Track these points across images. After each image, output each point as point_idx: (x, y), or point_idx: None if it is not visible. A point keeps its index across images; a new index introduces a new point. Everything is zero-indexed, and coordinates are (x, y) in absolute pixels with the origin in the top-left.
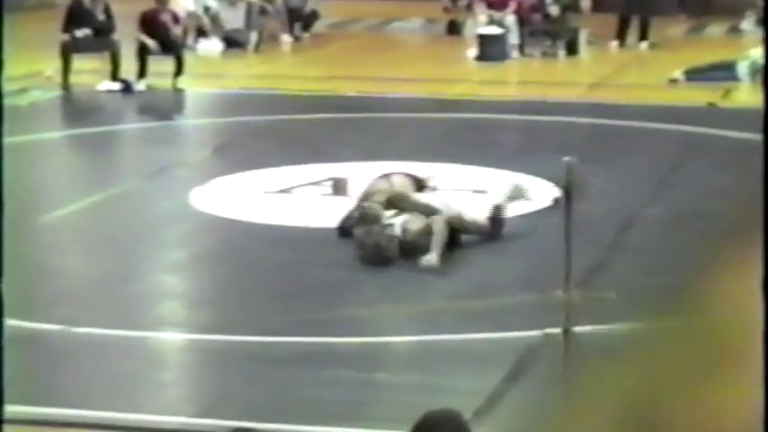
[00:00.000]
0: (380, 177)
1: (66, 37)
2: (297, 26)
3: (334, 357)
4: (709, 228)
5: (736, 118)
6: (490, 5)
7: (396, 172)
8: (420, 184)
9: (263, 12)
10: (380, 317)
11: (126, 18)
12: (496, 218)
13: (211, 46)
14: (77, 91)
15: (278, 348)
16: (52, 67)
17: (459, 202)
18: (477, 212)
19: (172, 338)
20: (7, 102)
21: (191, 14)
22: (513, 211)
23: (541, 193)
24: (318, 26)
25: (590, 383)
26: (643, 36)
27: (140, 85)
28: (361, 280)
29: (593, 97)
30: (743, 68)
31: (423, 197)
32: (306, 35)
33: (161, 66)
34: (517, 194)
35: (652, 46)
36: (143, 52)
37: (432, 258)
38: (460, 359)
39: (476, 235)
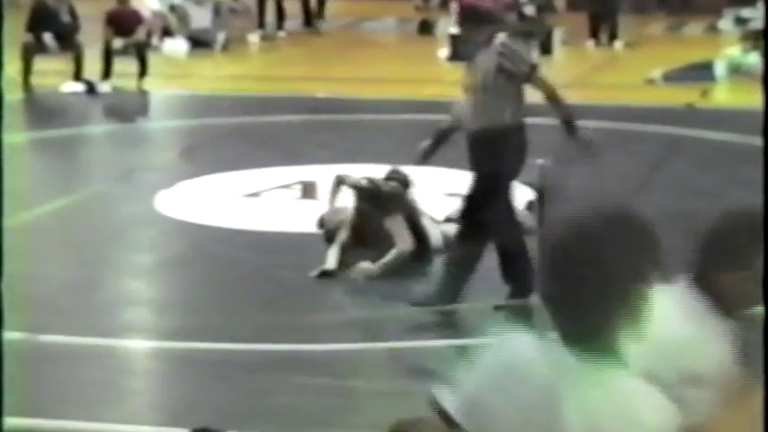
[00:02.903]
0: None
1: (28, 37)
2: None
3: (305, 364)
4: (688, 228)
5: (714, 118)
6: None
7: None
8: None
9: (232, 11)
10: (352, 322)
11: (91, 18)
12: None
13: (177, 46)
14: (40, 92)
15: (248, 355)
16: (14, 67)
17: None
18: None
19: (139, 345)
20: None
21: (156, 14)
22: None
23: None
24: (290, 25)
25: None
26: (613, 35)
27: (105, 87)
28: (332, 285)
29: (568, 97)
30: (720, 68)
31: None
32: (281, 34)
33: (126, 66)
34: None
35: (627, 45)
36: (108, 53)
37: (370, 267)
38: (434, 365)
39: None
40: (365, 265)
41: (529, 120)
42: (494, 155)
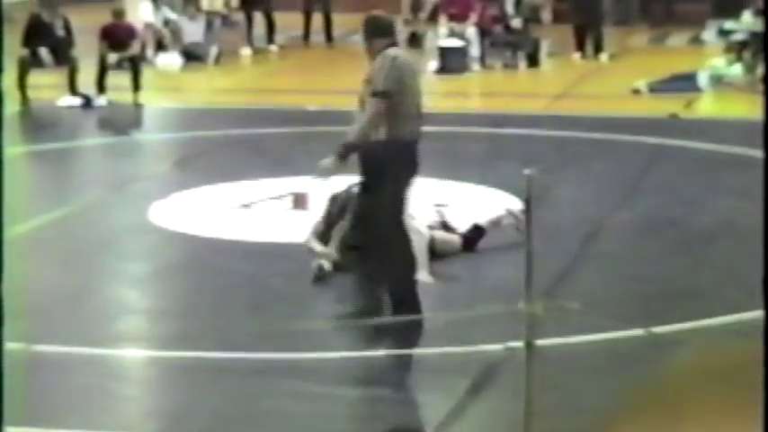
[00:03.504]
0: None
1: (24, 52)
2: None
3: (297, 371)
4: (673, 235)
5: (698, 128)
6: (451, 17)
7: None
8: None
9: (227, 23)
10: (343, 331)
11: (85, 31)
12: (471, 237)
13: (171, 60)
14: (36, 106)
15: (241, 362)
16: (9, 81)
17: (427, 226)
18: (447, 233)
19: (134, 354)
20: None
21: (149, 26)
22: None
23: (504, 205)
24: (279, 39)
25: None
26: (598, 47)
27: (101, 100)
28: (323, 293)
29: (555, 108)
30: (703, 78)
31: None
32: (273, 47)
33: (121, 80)
34: (498, 222)
35: (612, 56)
36: (103, 67)
37: (424, 276)
38: (423, 373)
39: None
40: (325, 250)
41: (518, 130)
42: (375, 169)
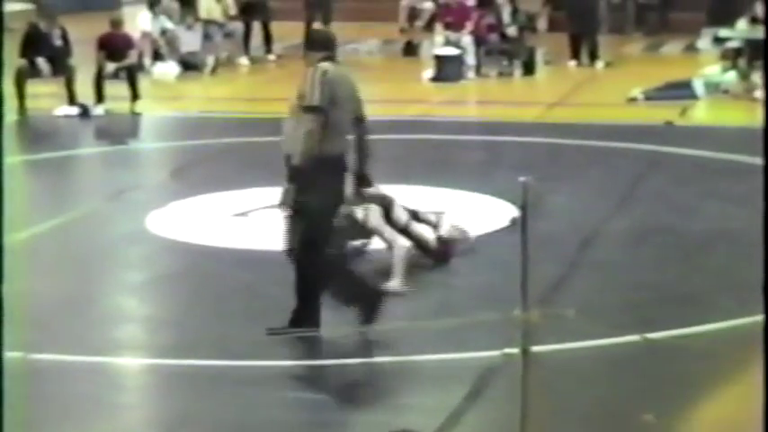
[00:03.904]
0: None
1: (21, 62)
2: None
3: (295, 379)
4: (668, 242)
5: (693, 135)
6: (447, 26)
7: None
8: None
9: (222, 32)
10: (341, 338)
11: (83, 41)
12: (447, 243)
13: (168, 69)
14: (34, 116)
15: (239, 370)
16: (7, 91)
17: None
18: (429, 234)
19: (132, 362)
20: None
21: (146, 35)
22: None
23: (499, 212)
24: (277, 48)
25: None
26: (593, 55)
27: (98, 110)
28: (321, 301)
29: (551, 116)
30: (698, 86)
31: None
32: (270, 57)
33: (118, 89)
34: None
35: (607, 64)
36: (100, 77)
37: (395, 284)
38: (420, 380)
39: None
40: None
41: (513, 138)
42: (304, 185)
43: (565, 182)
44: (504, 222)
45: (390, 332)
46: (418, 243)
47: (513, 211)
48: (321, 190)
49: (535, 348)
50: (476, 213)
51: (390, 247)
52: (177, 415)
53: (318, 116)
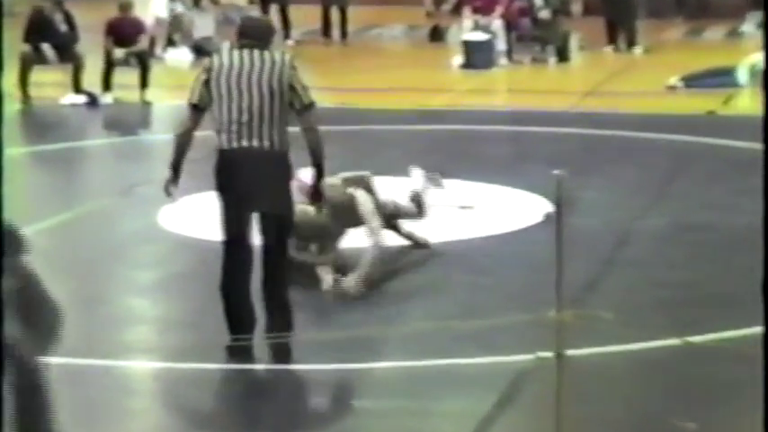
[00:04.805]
0: None
1: (26, 48)
2: None
3: (316, 383)
4: (707, 239)
5: (736, 126)
6: (476, 10)
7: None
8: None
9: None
10: (364, 340)
11: (91, 27)
12: (418, 201)
13: (180, 55)
14: (39, 105)
15: (255, 374)
16: (11, 79)
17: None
18: (400, 198)
19: (144, 365)
20: None
21: (160, 21)
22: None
23: (532, 207)
24: (294, 34)
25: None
26: (631, 41)
27: (106, 98)
28: (342, 301)
29: (585, 106)
30: (743, 73)
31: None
32: (289, 42)
33: (128, 77)
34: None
35: (646, 51)
36: (109, 64)
37: (351, 283)
38: (449, 384)
39: (406, 218)
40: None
41: (546, 129)
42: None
43: (600, 175)
44: (538, 218)
45: (417, 334)
46: (404, 234)
47: (546, 206)
48: (218, 188)
49: (570, 352)
50: (507, 208)
51: (370, 238)
52: (191, 421)
53: (191, 112)
